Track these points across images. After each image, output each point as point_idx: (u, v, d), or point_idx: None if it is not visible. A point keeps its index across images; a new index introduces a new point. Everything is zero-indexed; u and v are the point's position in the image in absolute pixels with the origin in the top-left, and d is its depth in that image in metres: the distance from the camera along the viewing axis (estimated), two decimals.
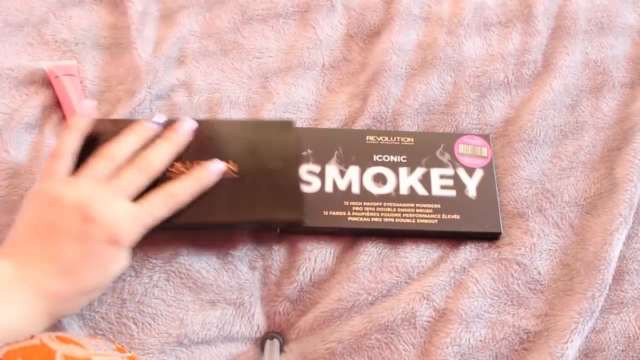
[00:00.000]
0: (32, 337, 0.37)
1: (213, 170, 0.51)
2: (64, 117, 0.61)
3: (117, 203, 0.46)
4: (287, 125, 0.57)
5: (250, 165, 0.54)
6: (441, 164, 0.59)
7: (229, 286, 0.54)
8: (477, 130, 0.63)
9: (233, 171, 0.53)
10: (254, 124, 0.58)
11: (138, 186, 0.48)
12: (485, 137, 0.61)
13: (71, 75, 0.63)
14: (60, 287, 0.43)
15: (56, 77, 0.62)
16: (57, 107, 0.62)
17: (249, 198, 0.52)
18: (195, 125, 0.53)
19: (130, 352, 0.41)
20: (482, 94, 0.65)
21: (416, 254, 0.56)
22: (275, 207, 0.52)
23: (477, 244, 0.56)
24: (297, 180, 0.54)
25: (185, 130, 0.52)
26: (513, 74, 0.66)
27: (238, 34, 0.68)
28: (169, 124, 0.53)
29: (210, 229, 0.55)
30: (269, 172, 0.54)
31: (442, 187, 0.58)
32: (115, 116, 0.62)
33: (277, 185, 0.53)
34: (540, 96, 0.64)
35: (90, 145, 0.52)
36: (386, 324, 0.52)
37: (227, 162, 0.53)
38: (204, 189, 0.50)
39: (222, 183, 0.52)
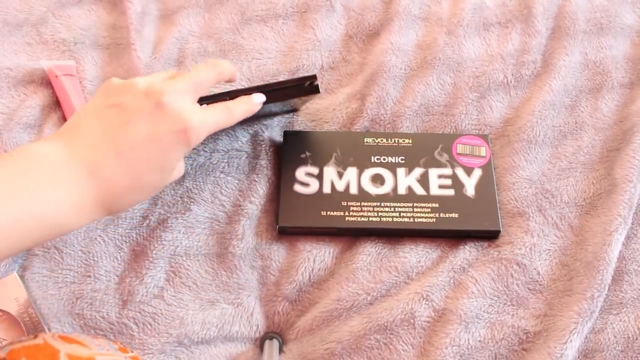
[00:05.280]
0: (36, 336, 0.37)
1: (257, 100, 0.51)
2: (63, 117, 0.61)
3: (188, 98, 0.45)
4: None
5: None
6: (439, 164, 0.59)
7: (228, 286, 0.54)
8: (477, 131, 0.63)
9: None
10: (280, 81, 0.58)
11: (209, 81, 0.47)
12: (484, 137, 0.61)
13: (70, 75, 0.63)
14: (116, 173, 0.41)
15: (56, 76, 0.62)
16: (56, 106, 0.62)
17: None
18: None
19: (132, 352, 0.41)
20: (481, 94, 0.65)
21: (415, 254, 0.56)
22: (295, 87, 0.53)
23: (476, 244, 0.56)
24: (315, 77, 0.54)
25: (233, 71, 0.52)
26: (512, 75, 0.66)
27: (237, 35, 0.68)
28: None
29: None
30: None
31: (441, 187, 0.58)
32: None
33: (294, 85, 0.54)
34: (540, 96, 0.64)
35: None
36: (385, 324, 0.52)
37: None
38: (251, 114, 0.51)
39: None
